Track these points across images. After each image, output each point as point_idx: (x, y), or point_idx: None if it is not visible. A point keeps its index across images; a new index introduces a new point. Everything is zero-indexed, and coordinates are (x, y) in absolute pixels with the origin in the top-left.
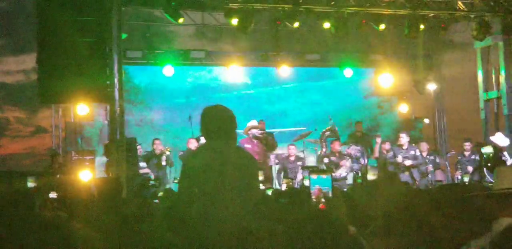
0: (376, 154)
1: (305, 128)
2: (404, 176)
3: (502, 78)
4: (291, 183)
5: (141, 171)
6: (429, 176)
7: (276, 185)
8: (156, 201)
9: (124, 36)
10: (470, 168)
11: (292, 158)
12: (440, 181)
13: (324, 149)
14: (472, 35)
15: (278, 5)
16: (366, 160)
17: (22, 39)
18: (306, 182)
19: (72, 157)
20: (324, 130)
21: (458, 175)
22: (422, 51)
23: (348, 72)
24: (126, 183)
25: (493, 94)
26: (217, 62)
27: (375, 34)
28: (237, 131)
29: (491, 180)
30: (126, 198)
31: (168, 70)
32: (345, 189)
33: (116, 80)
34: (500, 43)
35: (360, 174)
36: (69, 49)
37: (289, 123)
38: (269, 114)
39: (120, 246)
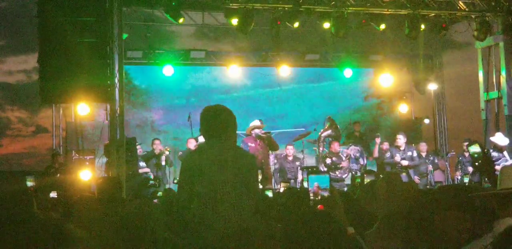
0: (376, 154)
1: (303, 129)
2: (402, 177)
3: (502, 79)
4: (289, 184)
5: (141, 171)
6: (429, 176)
7: (274, 184)
8: (156, 200)
9: (124, 36)
10: (470, 169)
11: (290, 158)
12: (440, 181)
13: (321, 148)
14: (473, 35)
15: (278, 5)
16: (365, 161)
17: (23, 39)
18: (306, 184)
19: (72, 156)
20: (322, 130)
21: (458, 176)
22: (422, 51)
23: (348, 72)
24: (125, 183)
25: (493, 94)
26: (217, 62)
27: (376, 34)
28: (239, 131)
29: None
30: (125, 198)
31: (168, 70)
32: (345, 189)
33: (116, 80)
34: (501, 43)
35: (359, 174)
36: (70, 49)
37: (288, 124)
38: (269, 116)
39: (120, 246)
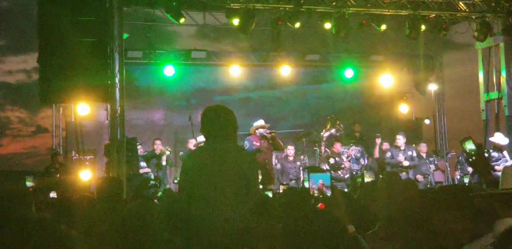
0: (376, 154)
1: (303, 129)
2: (402, 176)
3: (503, 79)
4: (289, 185)
5: (142, 171)
6: (430, 176)
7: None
8: (156, 201)
9: (125, 36)
10: (470, 169)
11: (291, 158)
12: (440, 182)
13: (323, 148)
14: (473, 36)
15: (279, 6)
16: (366, 161)
17: (23, 39)
18: (307, 184)
19: (72, 156)
20: (324, 130)
21: (457, 176)
22: (423, 51)
23: (348, 73)
24: (126, 183)
25: (494, 95)
26: (218, 63)
27: (376, 34)
28: (242, 132)
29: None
30: (126, 198)
31: (169, 70)
32: (346, 190)
33: (117, 80)
34: (501, 44)
35: (360, 174)
36: (70, 49)
37: (288, 125)
38: (269, 116)
39: (120, 247)
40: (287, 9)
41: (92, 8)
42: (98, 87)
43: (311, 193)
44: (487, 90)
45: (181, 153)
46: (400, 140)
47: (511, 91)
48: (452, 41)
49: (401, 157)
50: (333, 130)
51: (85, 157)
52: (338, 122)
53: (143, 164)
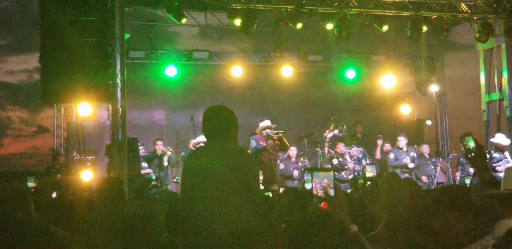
0: (378, 156)
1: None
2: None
3: (504, 80)
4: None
5: (143, 172)
6: (435, 178)
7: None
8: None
9: (127, 36)
10: (471, 170)
11: (293, 159)
12: (442, 183)
13: (326, 149)
14: (475, 37)
15: (281, 6)
16: (367, 162)
17: (25, 39)
18: (308, 185)
19: (74, 157)
20: (327, 131)
21: (457, 176)
22: (424, 52)
23: (350, 73)
24: (127, 184)
25: (495, 96)
26: (220, 63)
27: (378, 35)
28: (244, 132)
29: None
30: (127, 199)
31: (171, 71)
32: (348, 191)
33: (118, 80)
34: (503, 45)
35: (361, 176)
36: (72, 49)
37: (290, 125)
38: (271, 117)
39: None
40: (289, 9)
41: (93, 8)
42: (99, 87)
43: (315, 192)
44: (489, 91)
45: (182, 153)
46: (402, 141)
47: None
48: (453, 42)
49: (406, 160)
50: (336, 131)
51: (86, 157)
52: (341, 123)
53: (144, 164)
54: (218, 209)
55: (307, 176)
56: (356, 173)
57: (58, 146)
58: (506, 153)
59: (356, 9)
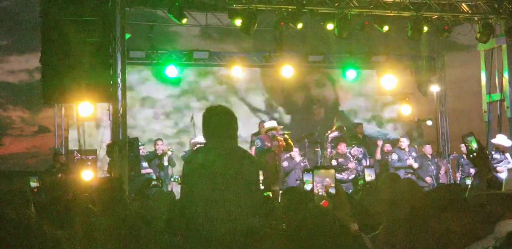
0: (378, 156)
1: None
2: (412, 178)
3: (505, 81)
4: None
5: (143, 172)
6: (436, 178)
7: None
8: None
9: (127, 36)
10: (471, 170)
11: (296, 159)
12: (443, 183)
13: (329, 150)
14: (476, 37)
15: (281, 6)
16: (368, 162)
17: (26, 39)
18: (308, 186)
19: (74, 156)
20: (329, 131)
21: (458, 177)
22: (425, 53)
23: (351, 74)
24: (128, 183)
25: (496, 96)
26: (220, 63)
27: (379, 35)
28: (245, 132)
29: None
30: (127, 198)
31: (171, 71)
32: (350, 191)
33: (119, 80)
34: (504, 46)
35: (362, 176)
36: (72, 49)
37: (291, 126)
38: (272, 117)
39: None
40: (290, 10)
41: (94, 8)
42: (100, 87)
43: (316, 191)
44: (489, 92)
45: (183, 153)
46: (404, 142)
47: None
48: (454, 43)
49: (410, 160)
50: (336, 132)
51: (87, 157)
52: (343, 126)
53: (144, 164)
54: (218, 209)
55: (306, 177)
56: (357, 173)
57: (59, 146)
58: (507, 154)
59: (357, 9)
